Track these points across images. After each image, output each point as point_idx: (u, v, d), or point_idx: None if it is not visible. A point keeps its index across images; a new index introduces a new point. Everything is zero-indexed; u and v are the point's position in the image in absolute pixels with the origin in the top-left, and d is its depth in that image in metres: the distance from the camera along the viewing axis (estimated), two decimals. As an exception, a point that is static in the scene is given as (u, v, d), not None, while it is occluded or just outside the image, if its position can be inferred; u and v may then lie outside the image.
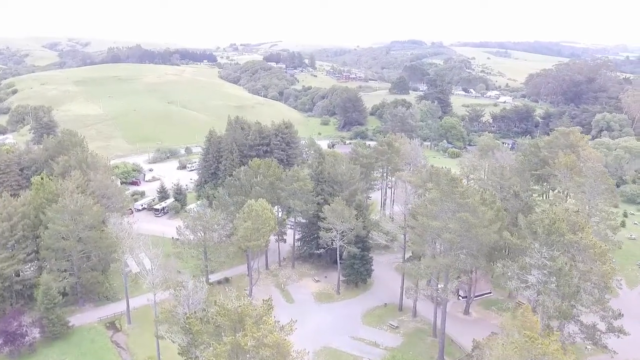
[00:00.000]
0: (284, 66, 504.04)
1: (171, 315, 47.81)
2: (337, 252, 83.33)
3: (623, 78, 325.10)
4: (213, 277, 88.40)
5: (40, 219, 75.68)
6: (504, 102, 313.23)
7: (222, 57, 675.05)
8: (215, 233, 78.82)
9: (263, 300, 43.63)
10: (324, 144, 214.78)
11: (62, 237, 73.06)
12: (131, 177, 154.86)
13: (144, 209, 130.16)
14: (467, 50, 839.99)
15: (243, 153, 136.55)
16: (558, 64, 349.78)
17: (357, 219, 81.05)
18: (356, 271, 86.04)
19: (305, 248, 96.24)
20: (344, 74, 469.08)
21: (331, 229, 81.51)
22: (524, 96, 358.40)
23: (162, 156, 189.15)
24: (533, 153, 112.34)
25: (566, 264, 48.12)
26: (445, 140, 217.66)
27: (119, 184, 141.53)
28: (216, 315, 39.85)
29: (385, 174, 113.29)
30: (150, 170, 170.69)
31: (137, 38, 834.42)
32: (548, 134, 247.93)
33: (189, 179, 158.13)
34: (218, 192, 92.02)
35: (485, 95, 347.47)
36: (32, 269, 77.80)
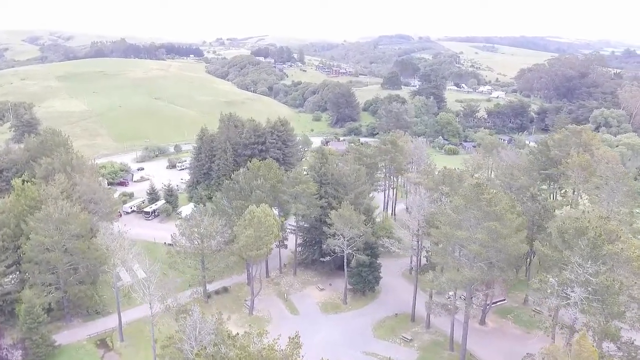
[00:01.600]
0: (272, 61, 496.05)
1: (175, 350, 41.84)
2: (344, 260, 78.06)
3: (614, 73, 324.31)
4: (210, 287, 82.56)
5: (22, 229, 69.10)
6: (497, 97, 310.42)
7: (208, 52, 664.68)
8: (214, 241, 72.91)
9: (289, 338, 37.85)
10: (317, 141, 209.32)
11: (46, 249, 66.58)
12: (119, 177, 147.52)
13: (133, 211, 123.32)
14: (454, 45, 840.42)
15: (237, 152, 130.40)
16: (551, 58, 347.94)
17: (365, 225, 75.87)
18: (364, 279, 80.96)
19: (308, 254, 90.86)
20: (334, 68, 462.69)
21: (338, 235, 76.24)
22: (515, 91, 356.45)
23: (151, 154, 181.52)
24: (541, 152, 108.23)
25: (613, 280, 43.57)
26: (441, 137, 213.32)
27: (106, 184, 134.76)
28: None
29: (388, 174, 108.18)
30: (141, 169, 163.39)
31: (121, 32, 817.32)
32: (544, 130, 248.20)
33: (179, 178, 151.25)
34: (215, 196, 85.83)
35: (477, 91, 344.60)
36: (13, 282, 71.10)
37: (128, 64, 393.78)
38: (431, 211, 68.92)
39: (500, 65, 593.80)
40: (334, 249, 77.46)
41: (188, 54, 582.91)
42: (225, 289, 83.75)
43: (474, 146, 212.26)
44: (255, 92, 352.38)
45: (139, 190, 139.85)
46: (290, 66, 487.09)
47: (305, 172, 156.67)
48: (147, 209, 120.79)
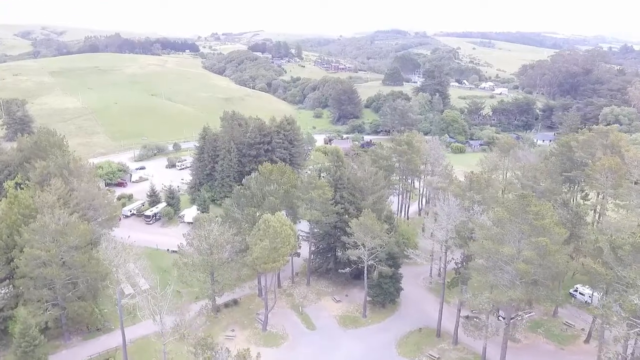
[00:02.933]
0: (270, 56, 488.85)
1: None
2: (365, 272, 72.65)
3: (617, 69, 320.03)
4: (219, 299, 76.91)
5: (15, 240, 63.17)
6: (500, 93, 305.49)
7: (204, 47, 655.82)
8: (224, 253, 67.27)
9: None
10: (319, 139, 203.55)
11: (43, 263, 60.69)
12: (117, 178, 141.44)
13: (132, 214, 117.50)
14: (451, 40, 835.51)
15: (242, 152, 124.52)
16: (554, 54, 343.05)
17: (388, 234, 70.50)
18: (385, 291, 75.62)
19: (322, 263, 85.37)
20: (333, 64, 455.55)
21: (358, 245, 70.83)
22: (516, 87, 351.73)
23: (149, 153, 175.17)
24: (562, 153, 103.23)
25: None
26: (447, 135, 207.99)
27: (104, 185, 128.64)
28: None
29: (403, 177, 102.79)
30: (142, 168, 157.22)
31: (115, 27, 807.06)
32: (550, 128, 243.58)
33: (180, 179, 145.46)
34: (225, 203, 79.94)
35: (479, 87, 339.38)
36: (5, 297, 65.12)
37: (123, 59, 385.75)
38: (461, 220, 63.60)
39: (499, 61, 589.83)
40: (352, 259, 72.00)
41: (184, 49, 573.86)
42: (235, 302, 78.15)
43: (481, 144, 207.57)
44: (254, 89, 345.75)
45: (138, 191, 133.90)
46: (288, 62, 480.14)
47: (307, 171, 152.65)
48: (147, 213, 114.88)
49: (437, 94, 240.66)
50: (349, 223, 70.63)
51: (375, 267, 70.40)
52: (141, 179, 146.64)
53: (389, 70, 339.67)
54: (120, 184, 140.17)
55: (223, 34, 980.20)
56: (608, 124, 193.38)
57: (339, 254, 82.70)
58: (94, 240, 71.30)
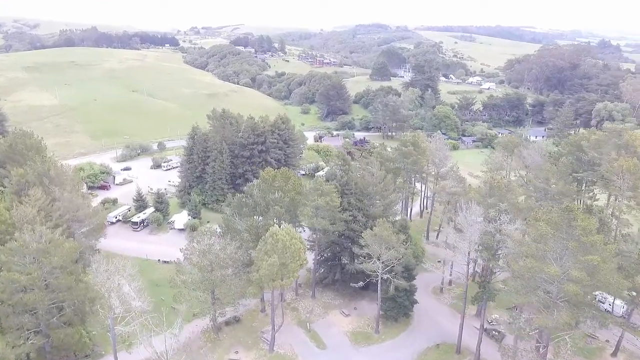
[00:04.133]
0: (253, 50, 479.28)
1: None
2: (379, 285, 67.27)
3: (603, 64, 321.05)
4: (219, 316, 70.66)
5: (-10, 261, 55.83)
6: (488, 88, 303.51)
7: (184, 41, 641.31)
8: (227, 269, 61.05)
9: None
10: (309, 136, 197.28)
11: (23, 287, 53.57)
12: (99, 180, 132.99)
13: (118, 221, 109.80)
14: (432, 34, 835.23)
15: (234, 153, 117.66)
16: (541, 49, 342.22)
17: (404, 244, 65.18)
18: (399, 305, 70.48)
19: (328, 274, 79.77)
20: (318, 58, 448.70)
21: (372, 257, 65.40)
22: (502, 82, 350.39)
23: (132, 153, 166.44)
24: (571, 152, 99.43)
25: None
26: (439, 131, 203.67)
27: (86, 189, 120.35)
28: None
29: (408, 179, 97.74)
30: (127, 169, 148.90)
31: (91, 20, 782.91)
32: (540, 123, 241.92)
33: (166, 180, 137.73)
34: (225, 212, 73.42)
35: (467, 82, 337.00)
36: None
37: (101, 54, 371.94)
38: (486, 231, 58.64)
39: (482, 55, 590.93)
40: (360, 270, 66.66)
41: (163, 43, 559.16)
42: (236, 319, 71.96)
43: (474, 141, 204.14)
44: (238, 84, 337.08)
45: (123, 195, 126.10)
46: (272, 56, 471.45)
47: (301, 172, 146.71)
48: (134, 219, 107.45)
49: (430, 90, 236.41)
50: (362, 234, 65.05)
51: (391, 280, 64.97)
52: (125, 181, 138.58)
53: (375, 64, 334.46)
54: (103, 187, 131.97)
55: (203, 28, 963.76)
56: (600, 120, 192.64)
57: (347, 264, 77.63)
58: (81, 253, 64.45)
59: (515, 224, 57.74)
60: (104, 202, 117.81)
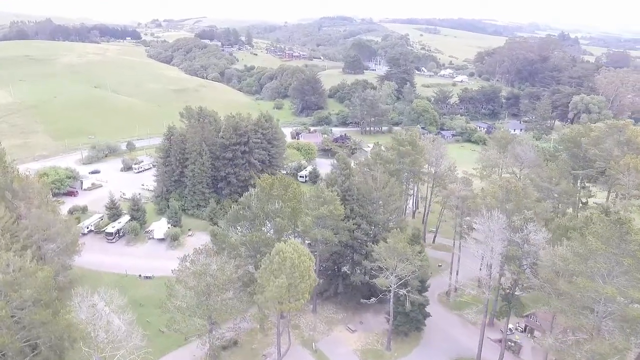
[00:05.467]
0: (219, 44, 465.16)
1: None
2: (391, 300, 61.93)
3: (571, 57, 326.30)
4: (215, 339, 63.70)
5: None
6: (461, 81, 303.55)
7: (146, 34, 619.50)
8: (227, 293, 54.24)
9: None
10: (286, 132, 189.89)
11: (-12, 327, 45.31)
12: (65, 186, 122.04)
13: (90, 231, 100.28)
14: (397, 26, 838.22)
15: (215, 155, 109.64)
16: (512, 42, 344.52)
17: (420, 256, 59.98)
18: (411, 319, 65.42)
19: (329, 287, 73.93)
20: (287, 52, 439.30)
21: (382, 269, 59.97)
22: (472, 74, 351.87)
23: (99, 154, 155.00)
24: (568, 149, 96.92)
25: None
26: (418, 126, 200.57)
27: (51, 196, 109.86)
28: None
29: (408, 181, 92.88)
30: (96, 172, 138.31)
31: (45, 11, 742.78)
32: (515, 116, 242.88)
33: (139, 184, 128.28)
34: (220, 228, 66.00)
35: (439, 75, 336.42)
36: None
37: (58, 47, 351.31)
38: (511, 241, 54.12)
39: (448, 48, 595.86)
40: (364, 281, 61.20)
41: (124, 37, 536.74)
42: (234, 342, 65.15)
43: (454, 135, 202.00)
44: (206, 78, 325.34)
45: (93, 201, 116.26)
46: (239, 49, 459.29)
47: (283, 171, 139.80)
48: (109, 229, 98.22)
49: (408, 83, 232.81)
50: (375, 247, 59.44)
51: (406, 296, 59.66)
52: (94, 186, 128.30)
53: (347, 58, 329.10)
54: (70, 193, 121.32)
55: (164, 21, 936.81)
56: (578, 112, 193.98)
57: (350, 274, 72.25)
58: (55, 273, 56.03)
59: (542, 233, 53.41)
60: (72, 211, 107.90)
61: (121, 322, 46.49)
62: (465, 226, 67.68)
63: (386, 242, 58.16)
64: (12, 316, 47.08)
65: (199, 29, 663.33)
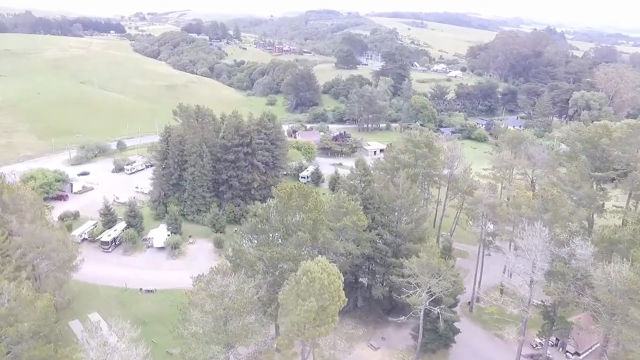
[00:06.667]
0: (207, 38, 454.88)
1: None
2: (421, 318, 57.37)
3: (563, 52, 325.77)
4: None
5: None
6: (455, 76, 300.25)
7: (130, 28, 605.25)
8: (251, 316, 49.07)
9: None
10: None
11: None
12: (54, 189, 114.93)
13: (84, 240, 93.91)
14: (384, 20, 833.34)
15: (216, 156, 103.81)
16: (505, 37, 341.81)
17: (453, 270, 55.45)
18: (440, 336, 61.04)
19: (348, 300, 68.92)
20: (276, 46, 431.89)
21: (412, 285, 55.35)
22: (464, 69, 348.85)
23: (89, 154, 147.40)
24: (585, 150, 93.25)
25: None
26: (417, 122, 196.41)
27: (43, 206, 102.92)
28: None
29: (423, 185, 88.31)
30: (85, 173, 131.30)
31: (23, 3, 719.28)
32: (512, 112, 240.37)
33: (133, 187, 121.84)
34: (235, 243, 60.48)
35: (432, 70, 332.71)
36: None
37: (40, 41, 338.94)
38: (557, 255, 49.89)
39: (437, 42, 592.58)
40: (386, 295, 56.59)
41: (108, 30, 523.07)
42: (250, 366, 60.16)
43: (453, 132, 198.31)
44: (195, 74, 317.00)
45: (85, 206, 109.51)
46: (228, 43, 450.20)
47: (285, 173, 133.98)
48: (104, 237, 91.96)
49: (406, 79, 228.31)
50: (406, 263, 54.69)
51: (439, 314, 55.10)
52: (85, 189, 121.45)
53: (340, 52, 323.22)
54: (60, 197, 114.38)
55: (148, 14, 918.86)
56: (578, 109, 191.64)
57: (371, 286, 67.70)
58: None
59: (589, 248, 49.29)
60: (63, 217, 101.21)
61: (136, 356, 40.96)
62: (490, 237, 63.31)
63: (418, 257, 53.48)
64: (7, 352, 41.38)
65: (184, 22, 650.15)
